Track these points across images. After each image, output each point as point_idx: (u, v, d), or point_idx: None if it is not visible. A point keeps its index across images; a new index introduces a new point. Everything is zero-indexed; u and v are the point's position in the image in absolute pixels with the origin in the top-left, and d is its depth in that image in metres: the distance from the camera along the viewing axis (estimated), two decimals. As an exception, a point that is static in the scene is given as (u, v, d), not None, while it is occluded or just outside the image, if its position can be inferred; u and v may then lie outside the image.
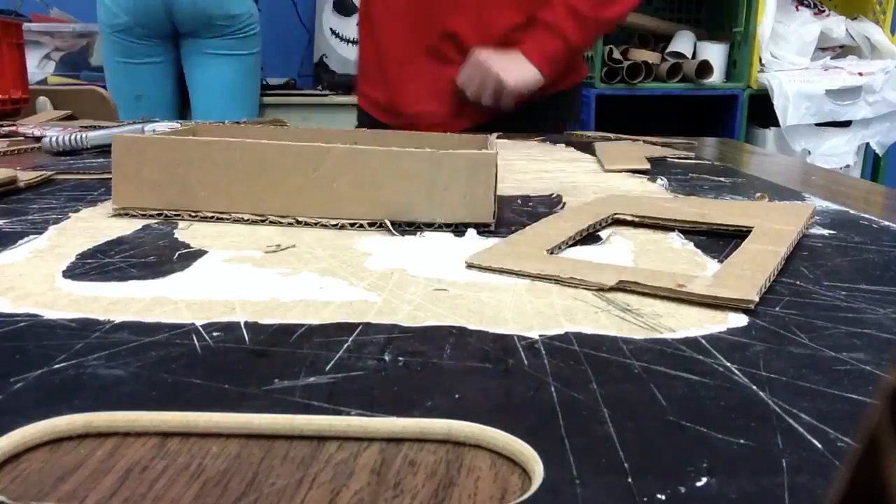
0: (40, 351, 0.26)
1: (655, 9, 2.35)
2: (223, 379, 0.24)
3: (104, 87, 1.91)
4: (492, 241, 0.42)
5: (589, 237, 0.44)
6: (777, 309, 0.32)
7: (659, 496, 0.18)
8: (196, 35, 1.80)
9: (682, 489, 0.18)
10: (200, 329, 0.28)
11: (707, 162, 0.83)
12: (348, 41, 2.29)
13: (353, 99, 1.96)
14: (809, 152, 2.07)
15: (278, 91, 2.23)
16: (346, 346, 0.27)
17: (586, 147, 0.90)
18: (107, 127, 0.91)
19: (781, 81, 2.03)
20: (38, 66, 2.16)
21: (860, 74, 2.06)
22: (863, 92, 2.05)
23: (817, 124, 2.07)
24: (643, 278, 0.33)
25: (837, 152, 2.09)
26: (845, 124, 2.10)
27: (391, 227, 0.44)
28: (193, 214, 0.46)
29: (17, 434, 0.20)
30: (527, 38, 1.05)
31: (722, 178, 0.70)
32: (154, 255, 0.38)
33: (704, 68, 2.10)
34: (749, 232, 0.43)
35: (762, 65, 2.11)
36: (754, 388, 0.24)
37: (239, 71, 1.85)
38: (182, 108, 1.92)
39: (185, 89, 1.91)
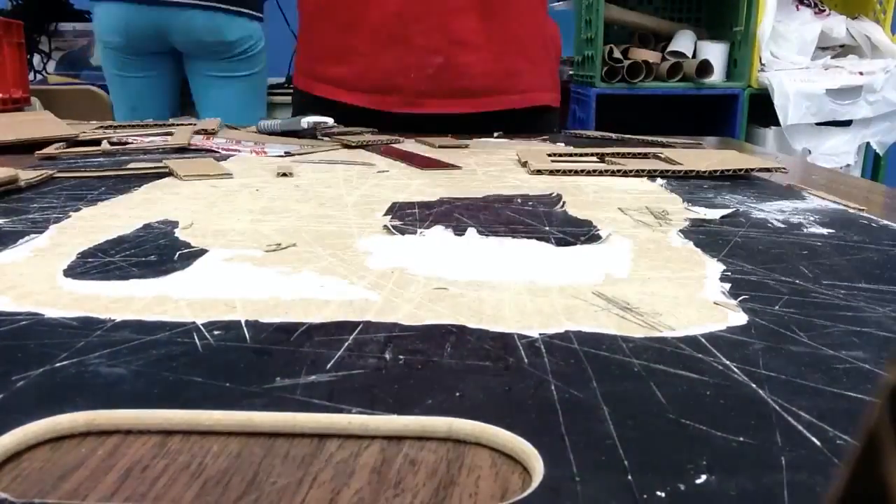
0: (42, 349, 0.26)
1: (656, 8, 2.35)
2: (224, 377, 0.24)
3: (104, 86, 1.91)
4: (492, 240, 0.42)
5: (589, 236, 0.44)
6: (776, 307, 0.32)
7: (659, 493, 0.18)
8: (196, 57, 1.78)
9: (682, 486, 0.18)
10: (201, 327, 0.28)
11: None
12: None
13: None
14: (810, 152, 2.07)
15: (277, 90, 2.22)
16: (346, 344, 0.27)
17: (586, 147, 0.90)
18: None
19: (782, 81, 2.03)
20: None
21: (861, 74, 2.05)
22: (863, 91, 2.05)
23: (818, 124, 2.07)
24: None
25: (838, 152, 2.09)
26: (846, 124, 2.10)
27: (391, 228, 0.44)
28: None
29: (19, 432, 0.20)
30: None
31: (721, 178, 0.69)
32: (155, 253, 0.38)
33: (705, 68, 2.10)
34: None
35: (762, 64, 2.11)
36: (753, 386, 0.24)
37: (242, 90, 1.82)
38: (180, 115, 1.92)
39: (185, 98, 1.90)
